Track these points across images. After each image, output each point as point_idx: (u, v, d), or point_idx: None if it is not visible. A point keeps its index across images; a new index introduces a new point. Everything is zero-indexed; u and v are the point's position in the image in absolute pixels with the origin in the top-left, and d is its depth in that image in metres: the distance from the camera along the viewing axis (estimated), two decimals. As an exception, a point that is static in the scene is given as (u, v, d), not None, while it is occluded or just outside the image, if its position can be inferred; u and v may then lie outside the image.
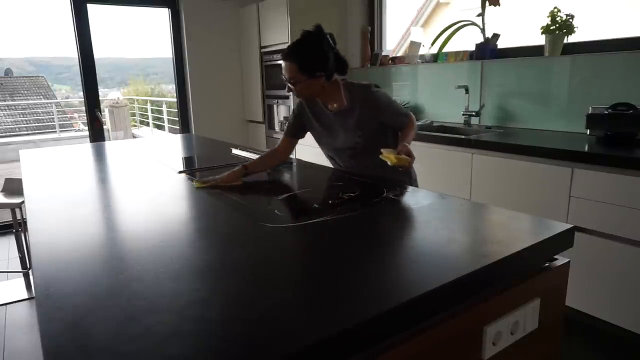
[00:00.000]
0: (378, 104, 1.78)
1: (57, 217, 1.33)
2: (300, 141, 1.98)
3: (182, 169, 1.99)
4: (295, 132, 1.93)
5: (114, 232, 1.25)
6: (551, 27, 2.67)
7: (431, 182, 2.62)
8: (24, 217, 2.95)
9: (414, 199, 1.48)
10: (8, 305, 2.74)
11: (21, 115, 15.11)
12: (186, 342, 0.67)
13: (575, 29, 2.63)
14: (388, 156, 1.57)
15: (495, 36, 3.05)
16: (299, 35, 1.73)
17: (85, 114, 4.24)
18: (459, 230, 1.19)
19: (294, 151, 2.01)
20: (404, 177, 1.86)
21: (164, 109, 9.68)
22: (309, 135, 1.97)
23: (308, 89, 1.75)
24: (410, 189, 1.58)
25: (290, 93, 1.87)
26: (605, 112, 2.25)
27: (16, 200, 2.80)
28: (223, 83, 4.60)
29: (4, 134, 13.64)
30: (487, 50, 3.06)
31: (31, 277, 2.96)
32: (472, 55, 3.20)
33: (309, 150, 3.67)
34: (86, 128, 4.63)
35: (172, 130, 9.13)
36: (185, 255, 1.03)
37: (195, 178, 1.77)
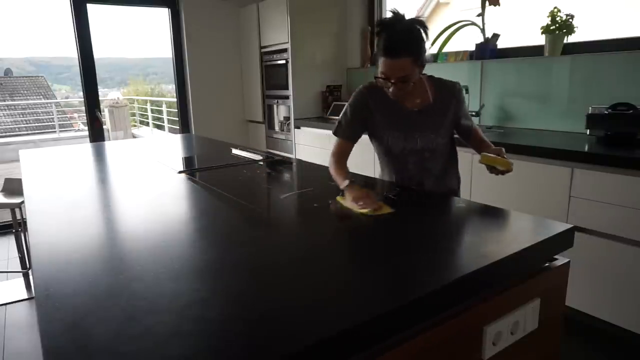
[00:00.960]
0: (463, 104, 1.63)
1: (57, 218, 1.33)
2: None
3: (182, 169, 1.99)
4: (353, 133, 1.61)
5: (114, 232, 1.25)
6: (551, 27, 2.67)
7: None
8: (24, 217, 2.95)
9: (414, 199, 1.48)
10: (8, 305, 2.74)
11: (21, 115, 15.12)
12: (186, 342, 0.67)
13: (575, 29, 2.63)
14: (495, 160, 1.42)
15: (495, 36, 3.05)
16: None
17: (85, 114, 4.24)
18: (459, 230, 1.19)
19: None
20: (457, 189, 1.78)
21: (164, 109, 9.68)
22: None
23: (412, 84, 1.47)
24: (409, 189, 1.58)
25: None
26: (605, 112, 2.25)
27: (16, 200, 2.80)
28: (223, 83, 4.59)
29: (4, 134, 13.63)
30: (487, 50, 3.06)
31: (31, 277, 2.96)
32: (472, 55, 3.19)
33: (309, 150, 3.68)
34: (86, 128, 4.63)
35: (172, 130, 9.13)
36: (185, 256, 1.03)
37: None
